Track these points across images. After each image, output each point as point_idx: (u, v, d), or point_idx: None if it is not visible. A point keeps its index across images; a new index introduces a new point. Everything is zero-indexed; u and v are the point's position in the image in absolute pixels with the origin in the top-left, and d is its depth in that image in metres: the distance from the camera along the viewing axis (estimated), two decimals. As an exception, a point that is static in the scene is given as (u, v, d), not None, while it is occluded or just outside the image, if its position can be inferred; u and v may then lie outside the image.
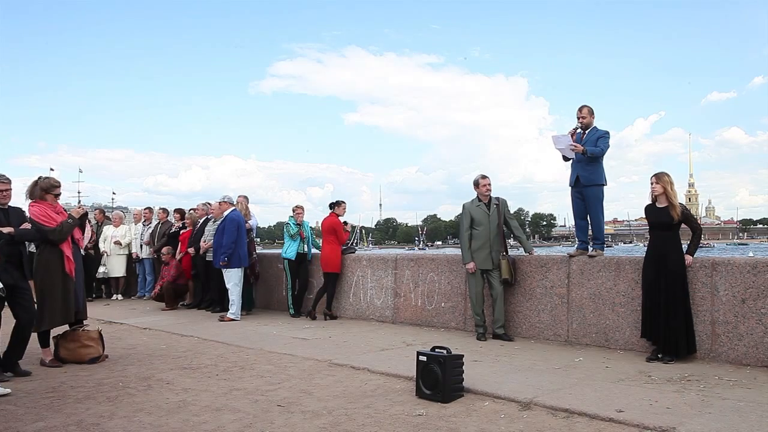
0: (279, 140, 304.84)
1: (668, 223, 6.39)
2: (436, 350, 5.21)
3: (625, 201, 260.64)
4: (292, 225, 10.12)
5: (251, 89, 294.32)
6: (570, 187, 7.59)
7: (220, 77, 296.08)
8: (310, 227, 10.65)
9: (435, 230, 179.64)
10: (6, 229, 5.89)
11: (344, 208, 10.15)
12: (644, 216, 6.81)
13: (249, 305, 10.50)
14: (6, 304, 6.09)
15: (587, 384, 5.38)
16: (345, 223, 10.04)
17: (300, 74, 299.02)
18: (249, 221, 10.50)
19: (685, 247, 6.47)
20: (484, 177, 7.90)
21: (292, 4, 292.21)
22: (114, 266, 13.19)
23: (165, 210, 13.46)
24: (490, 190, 7.88)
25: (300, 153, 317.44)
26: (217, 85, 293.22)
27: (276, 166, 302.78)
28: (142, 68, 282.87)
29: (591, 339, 7.16)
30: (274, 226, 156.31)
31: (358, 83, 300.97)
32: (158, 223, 13.01)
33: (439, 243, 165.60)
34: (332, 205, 10.16)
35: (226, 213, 9.91)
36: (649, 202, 6.66)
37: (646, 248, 6.78)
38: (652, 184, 6.55)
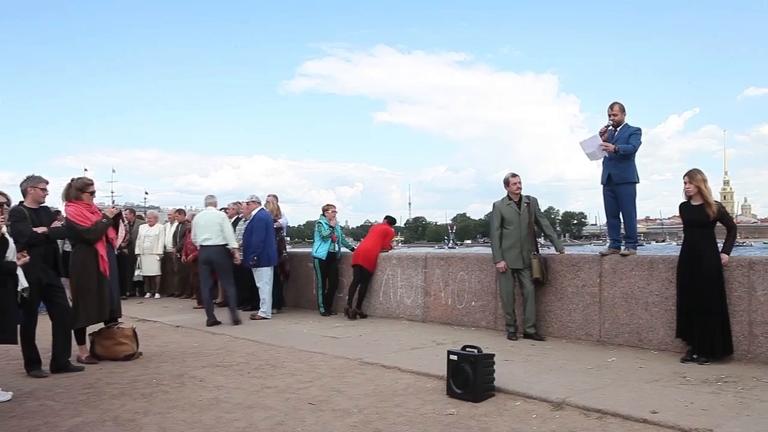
0: (309, 139, 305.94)
1: (703, 221, 6.28)
2: (467, 349, 5.20)
3: (658, 199, 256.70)
4: (324, 226, 10.15)
5: (280, 89, 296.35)
6: (602, 185, 7.50)
7: (249, 77, 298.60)
8: (340, 226, 10.70)
9: (464, 229, 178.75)
10: (41, 230, 6.04)
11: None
12: (678, 214, 6.70)
13: (279, 304, 10.57)
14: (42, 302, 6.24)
15: (620, 384, 5.32)
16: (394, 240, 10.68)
17: (329, 73, 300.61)
18: (279, 220, 10.57)
19: (720, 245, 6.35)
20: (514, 175, 7.85)
21: (321, 3, 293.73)
22: (148, 266, 13.38)
23: (181, 211, 13.64)
24: (521, 189, 7.83)
25: (329, 152, 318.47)
26: (247, 86, 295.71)
27: (306, 166, 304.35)
28: (174, 69, 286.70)
29: (624, 339, 7.06)
30: (304, 225, 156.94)
31: (386, 82, 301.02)
32: (179, 223, 13.16)
33: (469, 242, 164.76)
34: (392, 221, 11.19)
35: (254, 212, 9.98)
36: (683, 199, 6.54)
37: (679, 247, 6.67)
38: (685, 183, 6.43)
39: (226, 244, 9.42)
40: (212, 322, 9.16)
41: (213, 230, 9.38)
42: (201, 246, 9.44)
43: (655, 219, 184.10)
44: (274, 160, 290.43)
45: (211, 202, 9.84)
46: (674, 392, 5.03)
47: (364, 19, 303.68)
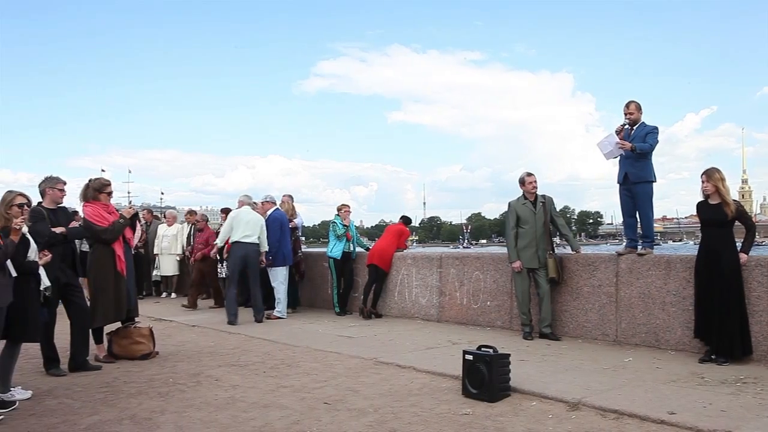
0: (323, 139, 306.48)
1: (722, 221, 6.21)
2: (482, 349, 5.18)
3: (674, 198, 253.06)
4: (339, 225, 10.18)
5: (295, 89, 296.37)
6: (618, 185, 7.45)
7: (264, 78, 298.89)
8: (355, 226, 10.72)
9: (479, 228, 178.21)
10: (59, 230, 6.10)
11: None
12: (695, 213, 6.63)
13: (294, 303, 10.60)
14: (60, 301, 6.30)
15: (637, 385, 5.28)
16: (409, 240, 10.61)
17: (343, 73, 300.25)
18: (294, 220, 10.61)
19: (738, 245, 6.28)
20: (529, 174, 7.83)
21: (335, 3, 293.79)
22: (166, 266, 13.45)
23: (192, 212, 13.72)
24: (536, 188, 7.80)
25: (344, 152, 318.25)
26: (262, 86, 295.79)
27: (321, 165, 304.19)
28: (187, 69, 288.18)
29: (641, 339, 7.01)
30: (318, 225, 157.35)
31: (401, 81, 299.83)
32: (190, 224, 13.24)
33: (484, 241, 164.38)
34: (407, 220, 11.04)
35: (269, 212, 10.02)
36: (700, 198, 6.48)
37: (697, 246, 6.61)
38: (702, 182, 6.37)
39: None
40: (233, 320, 9.23)
41: (255, 230, 9.51)
42: (238, 242, 9.47)
43: (672, 218, 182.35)
44: (289, 160, 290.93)
45: (249, 202, 9.92)
46: (692, 393, 4.98)
47: (379, 18, 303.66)
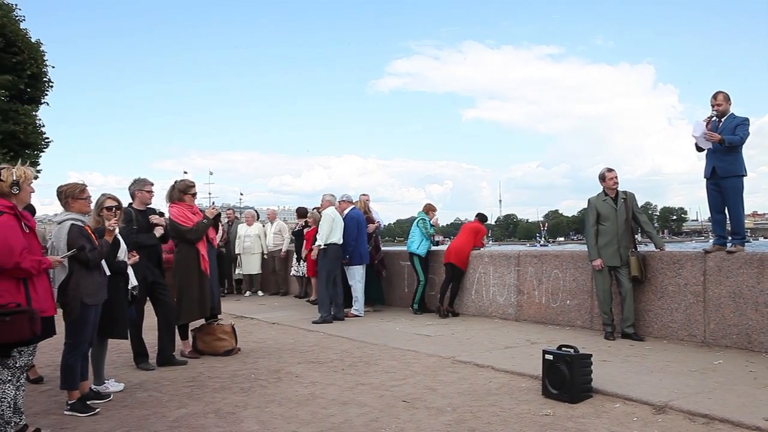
0: (398, 138, 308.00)
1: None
2: (563, 349, 5.08)
3: (766, 193, 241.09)
4: (429, 223, 10.20)
5: (369, 89, 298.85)
6: (705, 179, 7.15)
7: (338, 78, 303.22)
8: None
9: (557, 226, 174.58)
10: (158, 231, 6.37)
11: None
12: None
13: (376, 301, 10.70)
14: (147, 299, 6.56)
15: (729, 389, 5.05)
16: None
17: (417, 72, 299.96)
18: (377, 220, 10.71)
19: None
20: (610, 170, 7.61)
21: (407, 1, 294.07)
22: (250, 264, 13.79)
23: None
24: (618, 184, 7.58)
25: (419, 150, 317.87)
26: (336, 86, 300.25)
27: (396, 164, 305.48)
28: (264, 72, 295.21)
29: (731, 341, 6.70)
30: (393, 223, 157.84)
31: (476, 78, 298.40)
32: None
33: (561, 239, 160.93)
34: (483, 218, 10.94)
35: (345, 211, 10.11)
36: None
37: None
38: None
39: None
40: (342, 316, 9.59)
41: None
42: (335, 244, 9.61)
43: (764, 214, 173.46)
44: (364, 159, 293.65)
45: (335, 202, 10.08)
46: (789, 398, 4.73)
47: (452, 15, 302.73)
